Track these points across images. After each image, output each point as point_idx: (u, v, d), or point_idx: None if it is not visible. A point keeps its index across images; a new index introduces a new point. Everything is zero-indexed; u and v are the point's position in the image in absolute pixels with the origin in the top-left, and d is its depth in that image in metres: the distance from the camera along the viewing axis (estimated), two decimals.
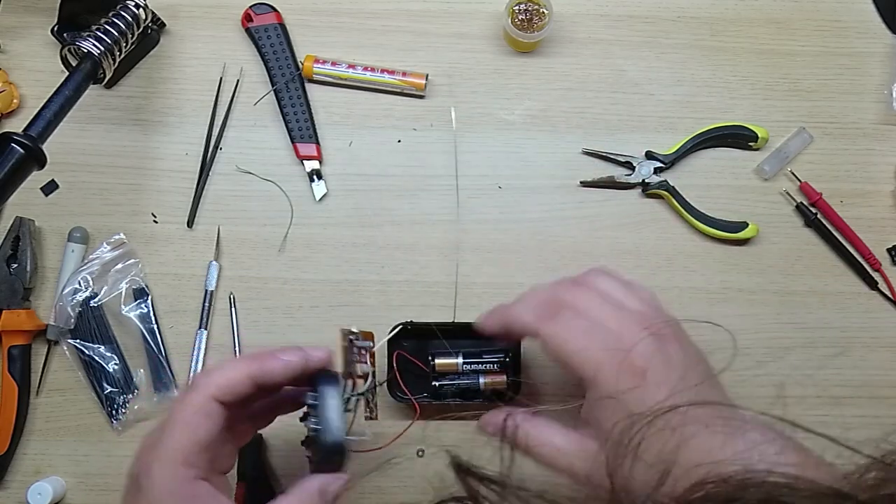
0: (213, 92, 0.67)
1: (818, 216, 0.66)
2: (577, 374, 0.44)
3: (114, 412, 0.62)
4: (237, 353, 0.63)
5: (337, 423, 0.46)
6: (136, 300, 0.64)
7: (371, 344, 0.53)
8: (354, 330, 0.51)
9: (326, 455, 0.46)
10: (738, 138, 0.67)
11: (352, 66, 0.66)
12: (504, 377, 0.60)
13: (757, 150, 0.67)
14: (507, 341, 0.59)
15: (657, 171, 0.66)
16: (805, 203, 0.66)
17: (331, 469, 0.47)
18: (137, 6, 0.62)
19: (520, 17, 0.67)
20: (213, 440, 0.44)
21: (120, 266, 0.64)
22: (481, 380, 0.59)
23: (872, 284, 0.66)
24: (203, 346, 0.63)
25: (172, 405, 0.44)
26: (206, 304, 0.64)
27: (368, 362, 0.51)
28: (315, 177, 0.66)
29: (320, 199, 0.66)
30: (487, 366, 0.60)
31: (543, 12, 0.67)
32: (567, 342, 0.44)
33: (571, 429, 0.45)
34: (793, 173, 0.67)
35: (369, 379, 0.51)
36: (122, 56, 0.62)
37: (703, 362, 0.47)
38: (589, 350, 0.44)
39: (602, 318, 0.45)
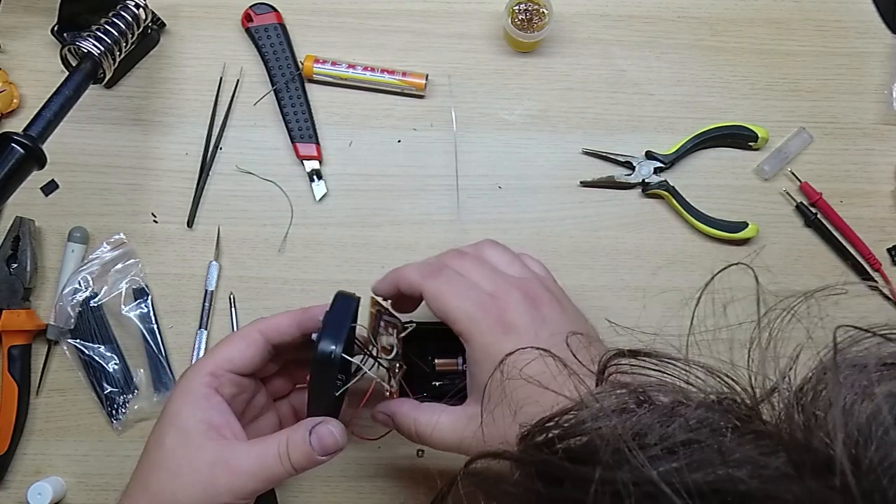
0: (213, 92, 0.67)
1: (818, 216, 0.66)
2: (455, 329, 0.47)
3: (114, 412, 0.62)
4: None
5: (336, 331, 0.44)
6: (136, 300, 0.64)
7: (399, 321, 0.53)
8: (385, 304, 0.52)
9: (316, 365, 0.44)
10: (738, 138, 0.67)
11: (352, 66, 0.66)
12: None
13: (757, 150, 0.67)
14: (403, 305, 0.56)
15: (657, 171, 0.66)
16: (805, 203, 0.66)
17: (322, 390, 0.45)
18: (137, 6, 0.62)
19: (520, 17, 0.67)
20: (246, 365, 0.48)
21: (120, 266, 0.64)
22: None
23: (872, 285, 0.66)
24: (203, 346, 0.63)
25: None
26: (206, 304, 0.64)
27: (395, 338, 0.52)
28: (315, 177, 0.66)
29: (320, 199, 0.66)
30: None
31: (543, 12, 0.67)
32: (446, 298, 0.48)
33: (456, 406, 0.48)
34: (793, 173, 0.67)
35: (393, 354, 0.51)
36: (122, 56, 0.62)
37: (583, 325, 0.49)
38: (463, 308, 0.47)
39: (478, 280, 0.49)
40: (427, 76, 0.66)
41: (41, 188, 0.66)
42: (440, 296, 0.48)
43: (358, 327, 0.48)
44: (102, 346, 0.63)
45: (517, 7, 0.67)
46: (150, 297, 0.64)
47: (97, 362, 0.62)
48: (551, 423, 0.30)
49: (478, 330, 0.46)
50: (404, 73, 0.66)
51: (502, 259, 0.52)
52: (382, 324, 0.52)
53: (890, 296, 0.66)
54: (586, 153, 0.67)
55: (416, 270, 0.50)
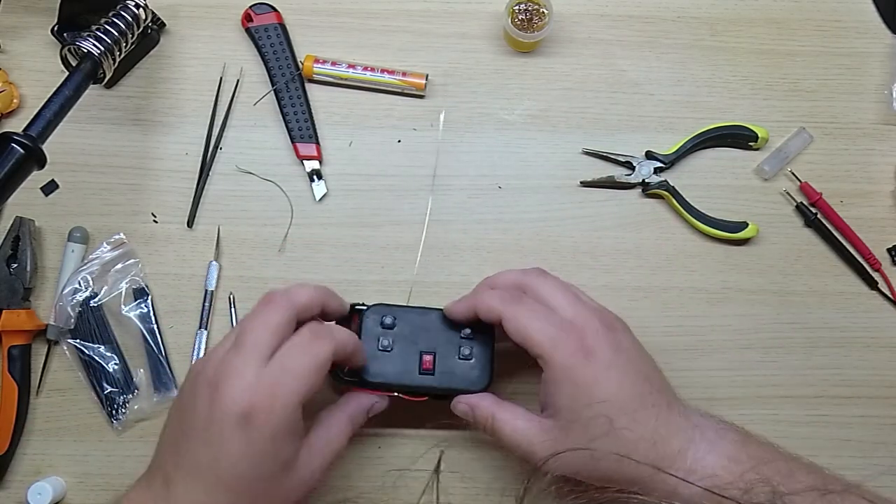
0: (213, 92, 0.67)
1: (818, 216, 0.66)
2: (535, 352, 0.49)
3: (114, 412, 0.62)
4: None
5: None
6: (136, 300, 0.64)
7: None
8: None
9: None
10: (738, 138, 0.67)
11: (352, 66, 0.66)
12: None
13: (757, 150, 0.67)
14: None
15: (657, 171, 0.66)
16: (805, 203, 0.66)
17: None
18: (137, 6, 0.62)
19: (520, 17, 0.67)
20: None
21: (120, 266, 0.64)
22: None
23: (872, 284, 0.66)
24: (203, 346, 0.63)
25: (292, 349, 0.48)
26: (206, 304, 0.64)
27: None
28: (315, 177, 0.66)
29: (320, 199, 0.66)
30: None
31: (543, 12, 0.67)
32: (527, 323, 0.50)
33: (534, 413, 0.51)
34: (793, 173, 0.67)
35: None
36: (122, 56, 0.62)
37: (651, 360, 0.52)
38: (546, 330, 0.49)
39: (559, 306, 0.51)
40: (427, 76, 0.66)
41: (41, 188, 0.66)
42: (521, 320, 0.50)
43: None
44: (102, 346, 0.63)
45: (517, 7, 0.67)
46: (150, 297, 0.64)
47: (97, 362, 0.62)
48: None
49: (559, 353, 0.48)
50: (404, 73, 0.66)
51: (572, 290, 0.54)
52: None
53: (890, 296, 0.66)
54: (586, 153, 0.67)
55: (495, 297, 0.52)
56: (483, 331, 0.56)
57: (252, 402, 0.45)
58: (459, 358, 0.55)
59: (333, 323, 0.54)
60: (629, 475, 0.46)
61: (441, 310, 0.57)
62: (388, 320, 0.56)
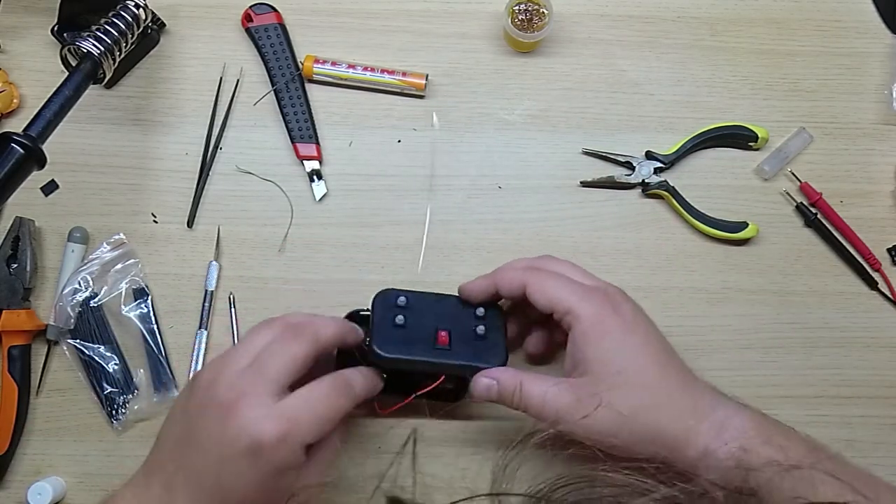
0: (213, 92, 0.67)
1: (818, 216, 0.66)
2: (562, 309, 0.51)
3: (114, 412, 0.62)
4: None
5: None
6: (136, 300, 0.64)
7: None
8: None
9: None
10: (738, 138, 0.67)
11: (352, 66, 0.66)
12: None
13: (757, 150, 0.67)
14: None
15: (657, 171, 0.66)
16: (805, 203, 0.66)
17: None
18: (137, 6, 0.62)
19: (520, 17, 0.67)
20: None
21: (120, 266, 0.64)
22: None
23: (872, 284, 0.66)
24: (203, 346, 0.63)
25: (317, 396, 0.48)
26: (206, 304, 0.64)
27: None
28: (315, 177, 0.66)
29: (320, 199, 0.66)
30: None
31: (543, 12, 0.67)
32: (552, 286, 0.52)
33: (561, 378, 0.50)
34: (793, 173, 0.67)
35: None
36: (122, 56, 0.62)
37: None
38: (572, 289, 0.52)
39: (578, 278, 0.54)
40: (427, 76, 0.66)
41: (41, 188, 0.66)
42: (546, 284, 0.52)
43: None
44: (102, 346, 0.63)
45: (517, 7, 0.67)
46: (150, 297, 0.64)
47: (97, 362, 0.62)
48: None
49: (587, 306, 0.50)
50: (404, 73, 0.66)
51: (583, 270, 0.56)
52: None
53: (890, 296, 0.66)
54: (586, 153, 0.67)
55: (517, 269, 0.54)
56: (494, 314, 0.56)
57: (263, 434, 0.45)
58: (475, 337, 0.55)
59: (362, 371, 0.52)
60: (667, 430, 0.46)
61: (453, 297, 0.57)
62: (401, 301, 0.55)
